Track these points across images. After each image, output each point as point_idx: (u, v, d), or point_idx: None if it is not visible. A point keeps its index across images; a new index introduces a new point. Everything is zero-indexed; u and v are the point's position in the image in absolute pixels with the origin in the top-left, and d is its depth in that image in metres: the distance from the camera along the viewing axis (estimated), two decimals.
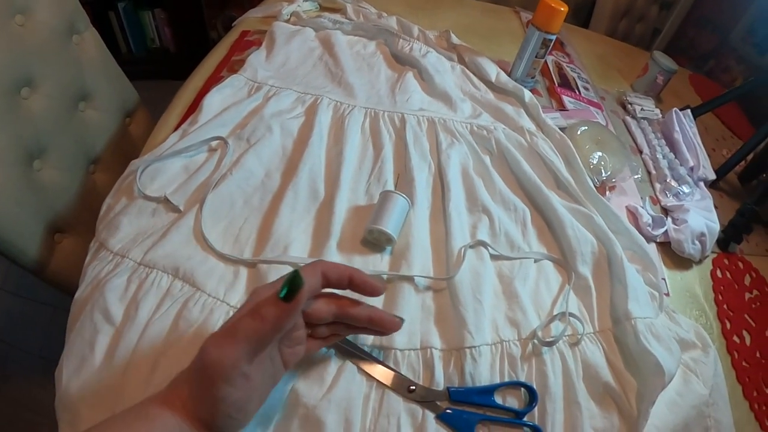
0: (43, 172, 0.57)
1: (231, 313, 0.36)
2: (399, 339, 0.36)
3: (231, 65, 0.58)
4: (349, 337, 0.36)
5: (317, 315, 0.30)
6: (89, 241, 0.40)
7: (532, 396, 0.36)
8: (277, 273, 0.38)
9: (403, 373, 0.35)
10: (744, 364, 0.50)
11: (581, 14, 1.17)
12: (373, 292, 0.31)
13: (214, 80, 0.56)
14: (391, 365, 0.35)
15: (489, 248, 0.43)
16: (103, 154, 0.66)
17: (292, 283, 0.26)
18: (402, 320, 0.33)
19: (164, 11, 1.56)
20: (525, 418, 0.35)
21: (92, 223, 0.42)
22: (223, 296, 0.37)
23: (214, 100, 0.51)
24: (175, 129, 0.49)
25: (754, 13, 1.02)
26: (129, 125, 0.73)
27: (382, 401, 0.34)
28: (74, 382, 0.31)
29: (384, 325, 0.32)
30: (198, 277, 0.37)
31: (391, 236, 0.40)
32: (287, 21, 0.66)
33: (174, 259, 0.38)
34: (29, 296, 1.07)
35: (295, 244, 0.40)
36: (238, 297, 0.38)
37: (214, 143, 0.48)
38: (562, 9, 0.56)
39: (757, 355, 0.52)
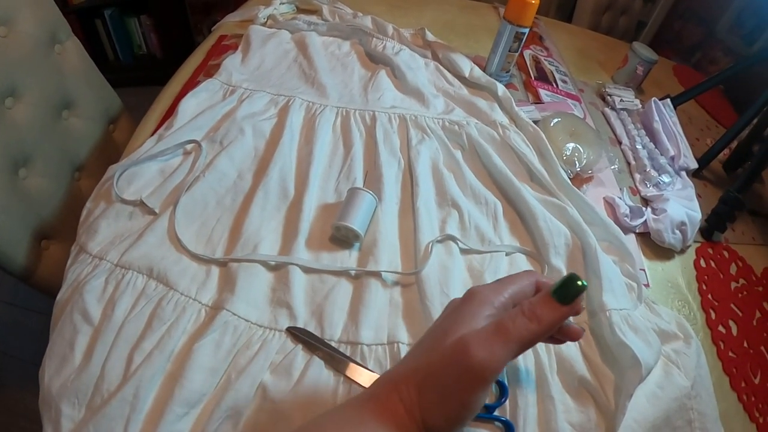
0: (29, 180, 0.58)
1: (203, 312, 0.37)
2: (365, 334, 0.37)
3: (208, 70, 0.59)
4: (317, 333, 0.36)
5: None
6: None
7: (502, 390, 0.35)
8: (245, 271, 0.38)
9: (370, 367, 0.35)
10: (731, 354, 0.49)
11: (565, 9, 1.17)
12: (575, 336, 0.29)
13: (191, 85, 0.57)
14: (358, 360, 0.35)
15: (458, 242, 0.43)
16: (87, 161, 0.67)
17: (573, 286, 0.25)
18: (583, 330, 0.30)
19: (150, 17, 1.57)
20: (496, 413, 0.35)
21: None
22: (195, 295, 0.38)
23: (189, 105, 0.51)
24: (153, 134, 0.50)
25: (740, 3, 1.02)
26: (113, 132, 0.74)
27: (348, 395, 0.34)
28: (55, 381, 0.32)
29: (570, 335, 0.30)
30: (171, 276, 0.38)
31: (357, 233, 0.41)
32: (264, 24, 0.67)
33: (149, 260, 0.39)
34: (23, 305, 1.09)
35: (264, 243, 0.41)
36: (209, 295, 0.38)
37: (188, 146, 0.48)
38: (533, 2, 0.56)
39: (745, 344, 0.51)
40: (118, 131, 0.74)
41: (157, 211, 0.43)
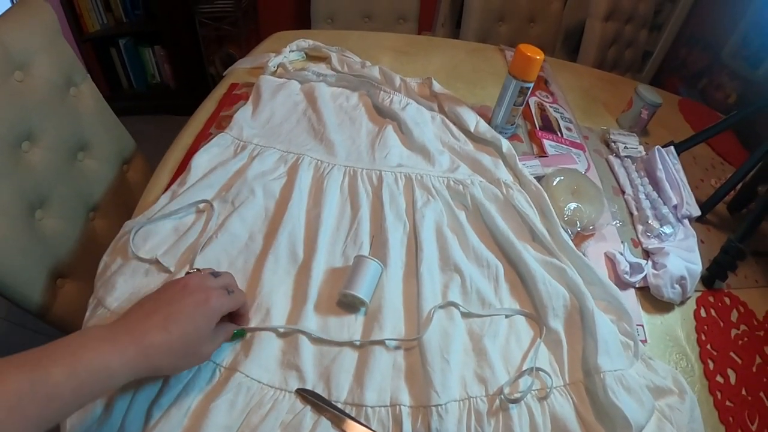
0: (45, 221, 0.61)
1: (218, 372, 0.39)
2: (369, 396, 0.39)
3: (219, 121, 0.61)
4: (324, 395, 0.39)
5: None
6: (90, 285, 0.44)
7: None
8: (258, 336, 0.40)
9: (373, 428, 0.37)
10: (728, 403, 0.50)
11: (571, 43, 1.17)
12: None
13: (203, 137, 0.59)
14: (363, 421, 0.37)
15: (459, 308, 0.44)
16: (102, 202, 0.70)
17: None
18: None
19: (164, 48, 1.61)
20: None
21: (93, 268, 0.45)
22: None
23: (201, 161, 0.53)
24: (166, 188, 0.52)
25: (745, 26, 1.02)
26: (127, 172, 0.76)
27: None
28: (77, 429, 0.34)
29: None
30: None
31: (363, 300, 0.43)
32: (274, 73, 0.69)
33: None
34: (33, 328, 1.11)
35: (276, 307, 0.43)
36: (223, 356, 0.40)
37: (201, 205, 0.50)
38: (538, 57, 0.57)
39: (743, 392, 0.52)
40: (132, 171, 0.76)
41: (172, 269, 0.45)
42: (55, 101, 0.63)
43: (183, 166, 0.55)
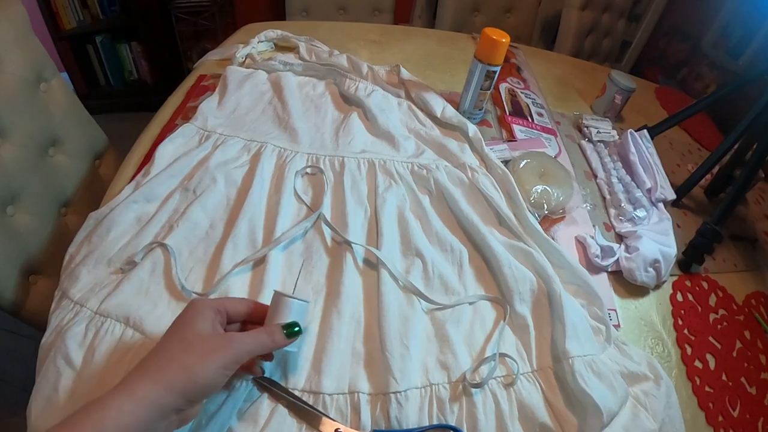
0: (17, 217, 0.60)
1: None
2: (327, 384, 0.38)
3: (185, 113, 0.60)
4: (281, 382, 0.38)
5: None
6: None
7: None
8: None
9: (331, 416, 0.36)
10: (707, 389, 0.49)
11: (549, 33, 1.16)
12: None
13: (169, 128, 0.58)
14: (320, 409, 0.37)
15: (420, 301, 0.43)
16: (74, 197, 0.69)
17: (292, 330, 0.35)
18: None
19: (140, 44, 1.61)
20: None
21: None
22: None
23: (166, 151, 0.53)
24: (132, 179, 0.51)
25: (726, 16, 1.02)
26: (99, 167, 0.75)
27: None
28: (41, 421, 0.34)
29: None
30: (147, 325, 0.39)
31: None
32: (242, 63, 0.68)
33: (125, 309, 0.40)
34: (11, 329, 1.10)
35: (234, 294, 0.42)
36: None
37: (165, 193, 0.50)
38: (504, 40, 0.57)
39: (723, 377, 0.51)
40: (104, 166, 0.76)
41: (138, 260, 0.44)
42: (25, 97, 0.63)
43: (149, 157, 0.54)
